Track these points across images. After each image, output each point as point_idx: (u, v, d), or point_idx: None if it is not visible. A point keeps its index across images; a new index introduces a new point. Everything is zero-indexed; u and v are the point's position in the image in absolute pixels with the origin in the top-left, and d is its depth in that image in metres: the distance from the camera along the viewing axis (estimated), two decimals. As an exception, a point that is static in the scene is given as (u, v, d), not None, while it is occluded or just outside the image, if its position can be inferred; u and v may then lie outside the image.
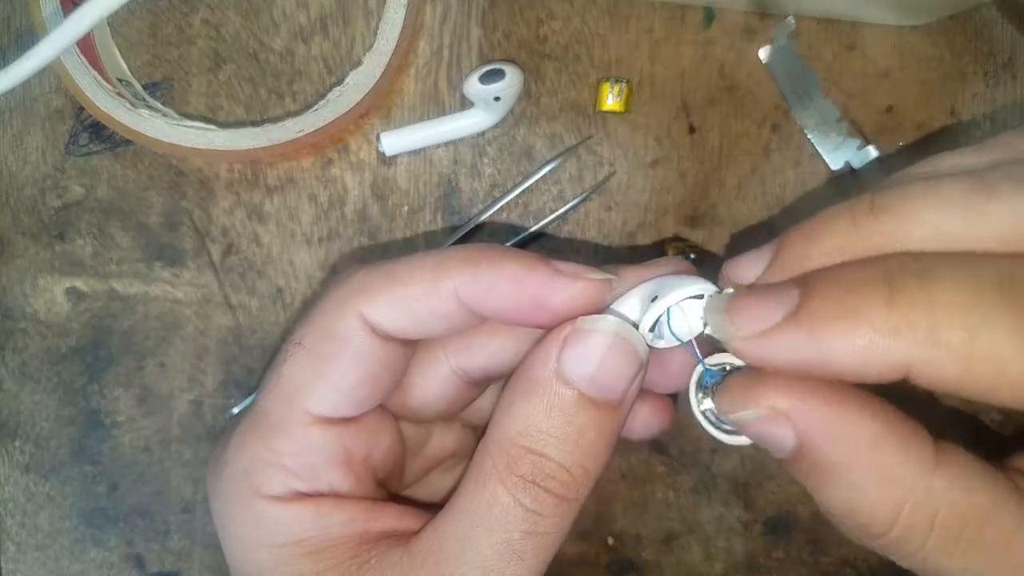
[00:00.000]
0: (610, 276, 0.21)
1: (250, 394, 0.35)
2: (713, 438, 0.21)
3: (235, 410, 0.35)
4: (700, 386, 0.21)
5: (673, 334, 0.21)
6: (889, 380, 0.17)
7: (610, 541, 0.36)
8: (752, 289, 0.19)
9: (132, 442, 0.36)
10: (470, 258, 0.21)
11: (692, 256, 0.33)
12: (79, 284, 0.35)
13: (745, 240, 0.34)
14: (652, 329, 0.21)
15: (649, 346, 0.21)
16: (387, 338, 0.21)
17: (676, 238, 0.34)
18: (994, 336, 0.15)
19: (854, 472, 0.17)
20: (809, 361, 0.17)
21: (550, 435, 0.19)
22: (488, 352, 0.24)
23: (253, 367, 0.35)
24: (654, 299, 0.20)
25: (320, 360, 0.21)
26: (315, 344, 0.21)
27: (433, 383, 0.24)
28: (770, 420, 0.18)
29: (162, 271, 0.35)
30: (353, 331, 0.21)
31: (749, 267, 0.20)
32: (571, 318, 0.20)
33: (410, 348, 0.23)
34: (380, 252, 0.35)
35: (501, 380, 0.26)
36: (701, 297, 0.20)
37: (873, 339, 0.16)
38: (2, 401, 0.36)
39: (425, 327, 0.21)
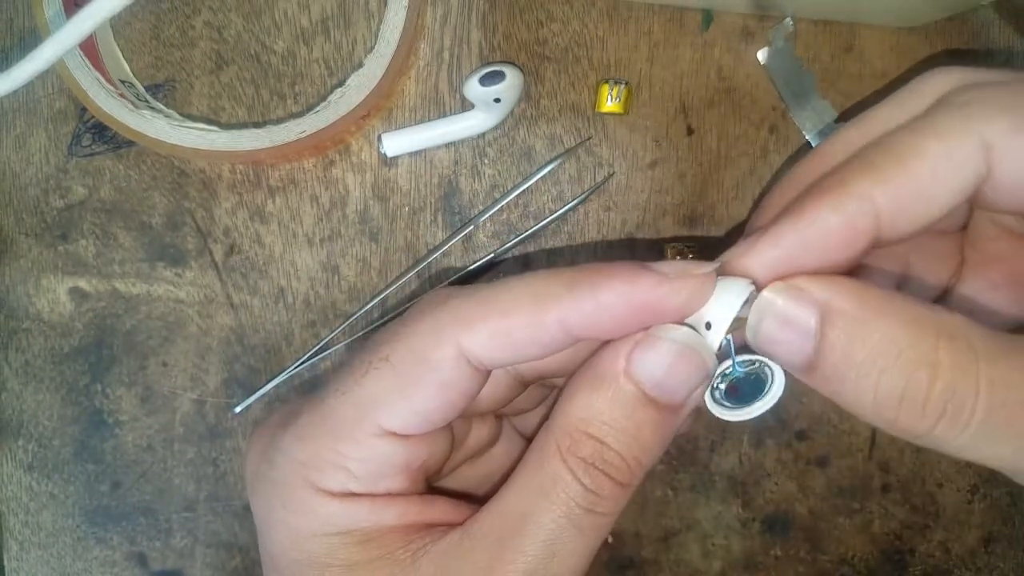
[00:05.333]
0: (714, 264, 0.21)
1: (252, 393, 0.35)
2: (722, 420, 0.22)
3: (237, 409, 0.35)
4: (722, 375, 0.22)
5: (727, 340, 0.21)
6: None
7: (609, 539, 0.36)
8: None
9: (135, 441, 0.36)
10: (571, 283, 0.20)
11: (691, 257, 0.33)
12: (82, 284, 0.35)
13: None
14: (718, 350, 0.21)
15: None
16: (478, 368, 0.21)
17: (675, 239, 0.34)
18: None
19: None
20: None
21: (611, 426, 0.20)
22: None
23: (255, 366, 0.35)
24: (708, 325, 0.21)
25: (405, 381, 0.21)
26: (403, 364, 0.21)
27: (488, 381, 0.24)
28: (796, 297, 0.19)
29: (165, 271, 0.35)
30: (446, 360, 0.21)
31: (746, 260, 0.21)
32: (681, 320, 0.21)
33: (489, 374, 0.23)
34: (381, 254, 0.35)
35: (547, 380, 0.26)
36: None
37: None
38: (6, 400, 0.36)
39: (523, 356, 0.21)
